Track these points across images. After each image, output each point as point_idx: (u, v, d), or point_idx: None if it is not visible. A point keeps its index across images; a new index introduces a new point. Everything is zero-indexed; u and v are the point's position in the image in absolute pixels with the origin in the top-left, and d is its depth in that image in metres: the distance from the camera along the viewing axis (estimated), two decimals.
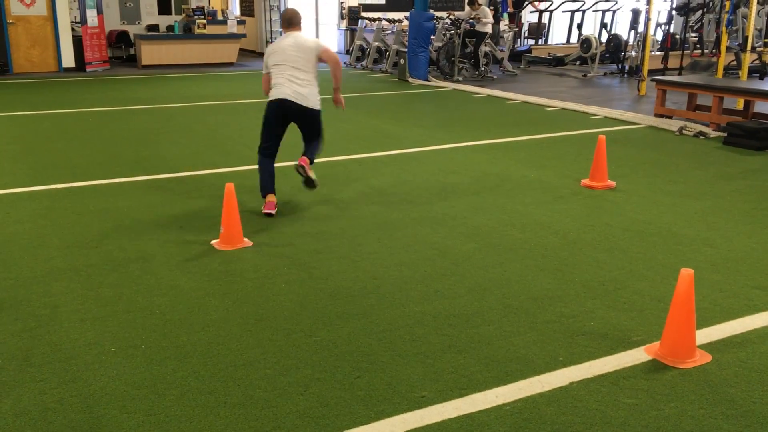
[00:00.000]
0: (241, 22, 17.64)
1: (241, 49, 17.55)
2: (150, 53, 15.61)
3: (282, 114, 5.20)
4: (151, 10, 16.98)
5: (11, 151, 7.22)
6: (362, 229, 4.90)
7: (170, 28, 16.49)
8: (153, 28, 16.78)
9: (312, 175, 5.24)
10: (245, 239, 4.61)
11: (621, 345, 3.27)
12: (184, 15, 16.37)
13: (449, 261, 4.31)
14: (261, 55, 19.06)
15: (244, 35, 16.99)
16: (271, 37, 19.18)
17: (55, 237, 4.68)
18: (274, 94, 5.18)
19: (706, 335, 3.35)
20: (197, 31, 15.97)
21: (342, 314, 3.57)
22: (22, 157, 7.00)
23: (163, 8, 17.11)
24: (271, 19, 19.03)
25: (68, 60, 14.73)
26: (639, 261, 4.32)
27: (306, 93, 5.17)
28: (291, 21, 5.33)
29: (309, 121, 5.30)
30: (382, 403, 2.79)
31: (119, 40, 16.60)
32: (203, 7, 16.78)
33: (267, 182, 5.25)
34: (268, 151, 5.32)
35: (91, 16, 14.60)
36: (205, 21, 16.13)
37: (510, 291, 3.87)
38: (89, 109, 9.99)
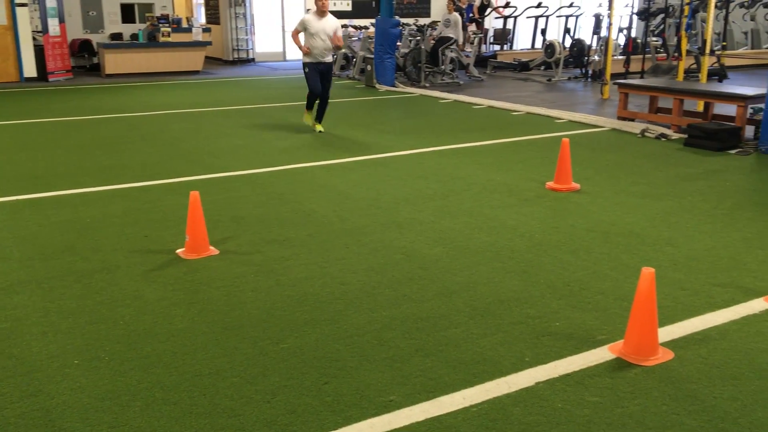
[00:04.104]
0: (206, 30, 17.51)
1: (207, 57, 17.42)
2: (114, 62, 15.43)
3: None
4: (114, 18, 16.79)
5: None
6: (330, 235, 4.89)
7: (134, 36, 16.32)
8: (117, 36, 16.58)
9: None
10: (211, 248, 4.57)
11: (586, 344, 3.31)
12: (148, 23, 16.20)
13: (417, 265, 4.33)
14: (228, 62, 18.96)
15: (210, 43, 16.87)
16: (238, 45, 19.08)
17: (16, 249, 4.59)
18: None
19: (668, 333, 3.41)
20: (162, 39, 15.82)
21: (310, 321, 3.56)
22: None
23: (127, 17, 16.92)
24: (237, 26, 18.92)
25: (30, 70, 14.47)
26: (603, 261, 4.39)
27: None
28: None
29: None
30: (350, 409, 2.78)
31: (82, 49, 16.37)
32: (168, 15, 16.63)
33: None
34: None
35: (53, 25, 14.38)
36: (169, 29, 15.99)
37: (477, 294, 3.90)
38: (52, 120, 9.83)
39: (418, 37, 14.57)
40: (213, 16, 19.45)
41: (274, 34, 19.86)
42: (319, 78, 8.61)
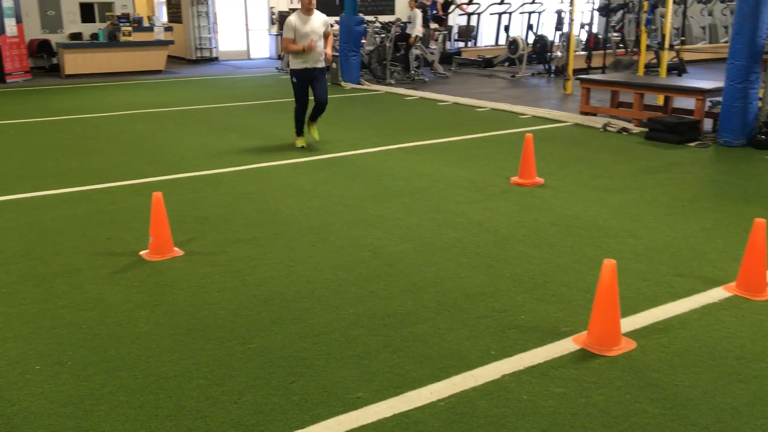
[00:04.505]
0: (168, 29, 17.29)
1: (169, 56, 17.20)
2: (74, 62, 15.15)
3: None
4: (73, 18, 16.46)
5: None
6: (296, 233, 4.88)
7: (94, 36, 16.03)
8: (76, 36, 16.26)
9: None
10: (176, 248, 4.52)
11: (550, 336, 3.35)
12: (108, 22, 15.93)
13: (384, 262, 4.33)
14: (191, 61, 18.74)
15: (172, 42, 16.66)
16: (201, 44, 18.86)
17: None
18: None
19: (630, 323, 3.47)
20: (123, 38, 15.58)
21: (276, 320, 3.55)
22: None
23: (87, 16, 16.60)
24: (199, 25, 18.71)
25: None
26: (567, 254, 4.44)
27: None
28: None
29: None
30: (317, 407, 2.78)
31: (41, 49, 16.02)
32: (128, 14, 16.37)
33: None
34: None
35: (10, 25, 14.07)
36: (130, 28, 15.75)
37: (443, 289, 3.92)
38: (10, 122, 9.62)
39: (383, 35, 14.57)
40: (175, 15, 19.21)
41: (238, 32, 19.69)
42: (308, 90, 7.57)
